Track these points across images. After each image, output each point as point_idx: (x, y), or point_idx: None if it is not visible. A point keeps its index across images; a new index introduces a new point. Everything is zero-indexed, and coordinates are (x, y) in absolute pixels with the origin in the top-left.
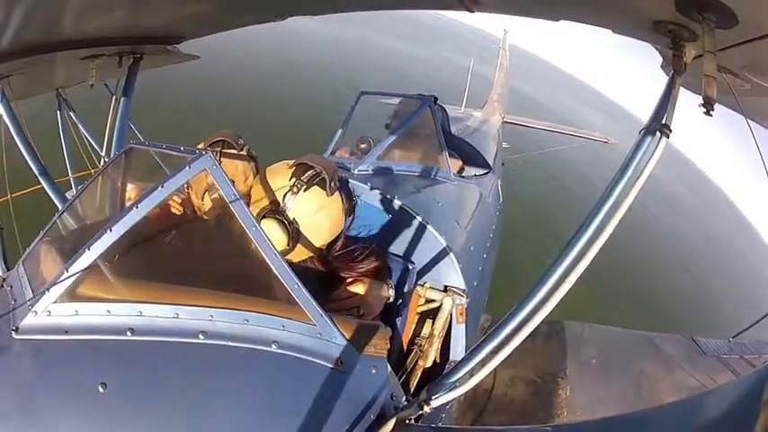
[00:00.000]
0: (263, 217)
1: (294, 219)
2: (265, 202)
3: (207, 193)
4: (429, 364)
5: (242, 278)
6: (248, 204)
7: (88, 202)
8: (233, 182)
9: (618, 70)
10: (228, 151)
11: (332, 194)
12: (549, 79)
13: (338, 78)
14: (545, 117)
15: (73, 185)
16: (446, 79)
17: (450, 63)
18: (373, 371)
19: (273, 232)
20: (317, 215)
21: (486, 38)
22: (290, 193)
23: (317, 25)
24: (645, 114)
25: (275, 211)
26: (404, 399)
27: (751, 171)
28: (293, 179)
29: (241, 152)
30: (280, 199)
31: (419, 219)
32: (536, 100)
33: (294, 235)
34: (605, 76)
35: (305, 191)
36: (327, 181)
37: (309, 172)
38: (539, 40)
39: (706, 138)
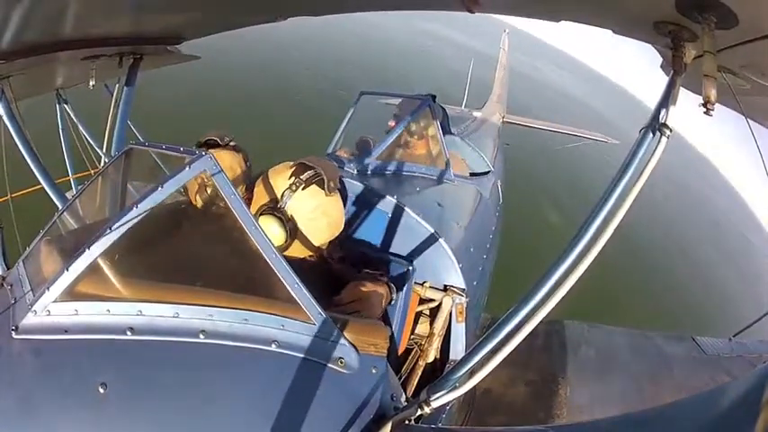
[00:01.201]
0: (261, 214)
1: (292, 216)
2: (265, 200)
3: (197, 194)
4: (429, 363)
5: (242, 277)
6: (249, 203)
7: (88, 202)
8: None
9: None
10: (214, 147)
11: (330, 194)
12: (545, 56)
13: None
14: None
15: (73, 185)
16: None
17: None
18: (373, 371)
19: (271, 228)
20: (315, 213)
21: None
22: (289, 190)
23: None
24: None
25: (273, 207)
26: (404, 399)
27: (750, 164)
28: (292, 178)
29: (226, 146)
30: (279, 197)
31: (419, 219)
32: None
33: (292, 231)
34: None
35: (303, 189)
36: (326, 181)
37: (308, 172)
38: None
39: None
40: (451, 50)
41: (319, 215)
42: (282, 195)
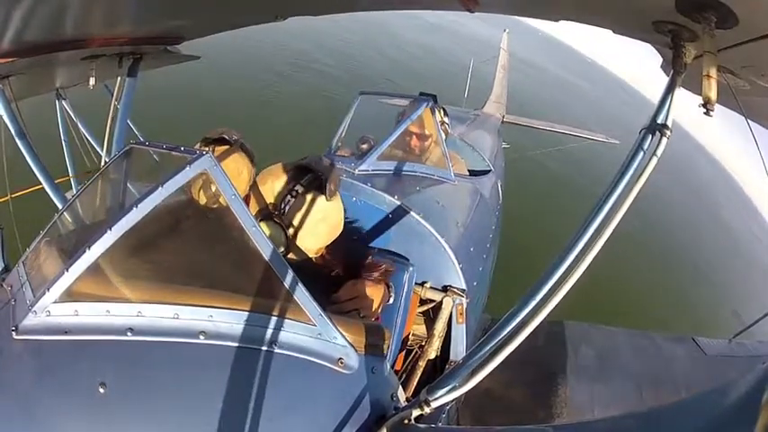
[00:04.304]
0: (261, 220)
1: (291, 222)
2: (263, 205)
3: (198, 194)
4: (429, 364)
5: (242, 278)
6: (247, 205)
7: (88, 202)
8: None
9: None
10: (221, 148)
11: (331, 199)
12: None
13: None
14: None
15: (73, 185)
16: None
17: None
18: (373, 371)
19: (270, 235)
20: (315, 218)
21: None
22: (289, 196)
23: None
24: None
25: (272, 213)
26: (403, 399)
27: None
28: (292, 182)
29: (234, 147)
30: (277, 202)
31: (419, 219)
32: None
33: (292, 237)
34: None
35: (303, 195)
36: (327, 185)
37: (309, 175)
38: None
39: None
40: None
41: (320, 220)
42: (282, 200)
